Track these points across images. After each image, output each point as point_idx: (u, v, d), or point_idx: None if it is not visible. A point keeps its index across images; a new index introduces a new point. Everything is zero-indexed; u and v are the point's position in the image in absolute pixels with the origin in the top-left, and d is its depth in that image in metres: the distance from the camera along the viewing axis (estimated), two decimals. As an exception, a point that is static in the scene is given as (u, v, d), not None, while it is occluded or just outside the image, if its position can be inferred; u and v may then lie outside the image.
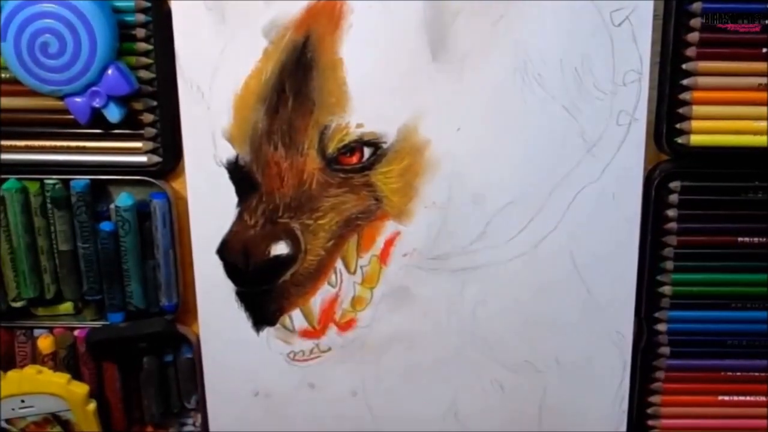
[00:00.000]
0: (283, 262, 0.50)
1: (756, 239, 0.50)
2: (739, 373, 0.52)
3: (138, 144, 0.50)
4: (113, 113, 0.48)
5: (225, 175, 0.49)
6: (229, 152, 0.49)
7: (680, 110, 0.48)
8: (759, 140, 0.48)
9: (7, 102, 0.49)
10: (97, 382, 0.53)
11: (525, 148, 0.48)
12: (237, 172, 0.49)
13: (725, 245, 0.50)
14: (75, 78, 0.46)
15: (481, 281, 0.50)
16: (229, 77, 0.48)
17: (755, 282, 0.50)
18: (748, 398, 0.52)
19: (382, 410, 0.53)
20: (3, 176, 0.50)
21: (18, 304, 0.52)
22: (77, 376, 0.53)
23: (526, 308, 0.51)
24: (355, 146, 0.48)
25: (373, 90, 0.48)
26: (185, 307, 0.53)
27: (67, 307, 0.53)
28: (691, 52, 0.47)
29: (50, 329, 0.53)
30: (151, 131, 0.49)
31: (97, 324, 0.52)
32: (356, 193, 0.49)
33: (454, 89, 0.48)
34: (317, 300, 0.51)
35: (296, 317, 0.51)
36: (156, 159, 0.50)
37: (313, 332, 0.52)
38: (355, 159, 0.49)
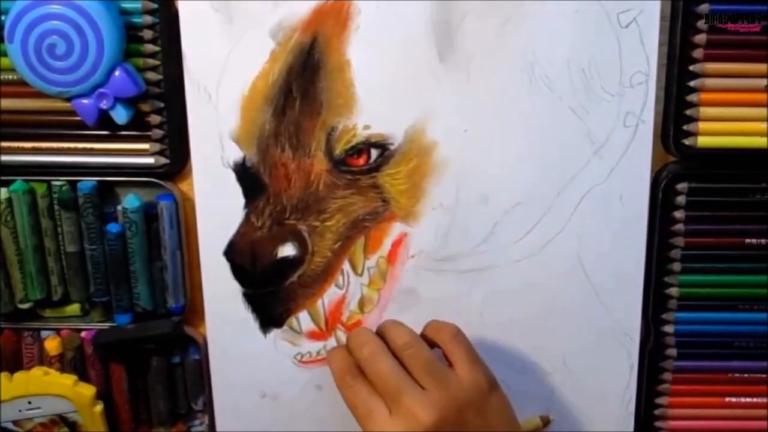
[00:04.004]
0: (290, 263, 0.50)
1: (763, 240, 0.50)
2: (746, 375, 0.52)
3: (145, 145, 0.50)
4: (120, 115, 0.48)
5: (232, 176, 0.49)
6: (236, 154, 0.49)
7: (687, 112, 0.48)
8: (766, 142, 0.48)
9: (14, 103, 0.49)
10: (104, 383, 0.53)
11: (532, 149, 0.49)
12: (244, 173, 0.49)
13: (732, 246, 0.50)
14: (82, 80, 0.46)
15: (489, 283, 0.50)
16: (236, 79, 0.48)
17: (762, 283, 0.50)
18: (755, 399, 0.52)
19: (390, 412, 0.53)
20: (10, 178, 0.50)
21: (25, 306, 0.52)
22: (84, 377, 0.53)
23: (533, 310, 0.51)
24: (363, 148, 0.49)
25: (380, 91, 0.48)
26: (192, 309, 0.53)
27: (74, 308, 0.53)
28: (698, 53, 0.47)
29: (57, 331, 0.53)
30: (158, 133, 0.49)
31: (104, 325, 0.52)
32: (363, 195, 0.49)
33: (461, 91, 0.48)
34: (324, 301, 0.51)
35: (303, 319, 0.52)
36: (163, 160, 0.50)
37: (320, 334, 0.52)
38: (362, 160, 0.49)
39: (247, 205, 0.49)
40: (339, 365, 0.46)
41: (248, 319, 0.52)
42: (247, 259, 0.50)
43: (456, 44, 0.47)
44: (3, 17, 0.46)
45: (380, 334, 0.48)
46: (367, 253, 0.50)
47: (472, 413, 0.43)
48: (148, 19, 0.47)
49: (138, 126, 0.49)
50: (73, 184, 0.50)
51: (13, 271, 0.51)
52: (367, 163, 0.49)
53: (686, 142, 0.48)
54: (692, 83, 0.47)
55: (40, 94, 0.48)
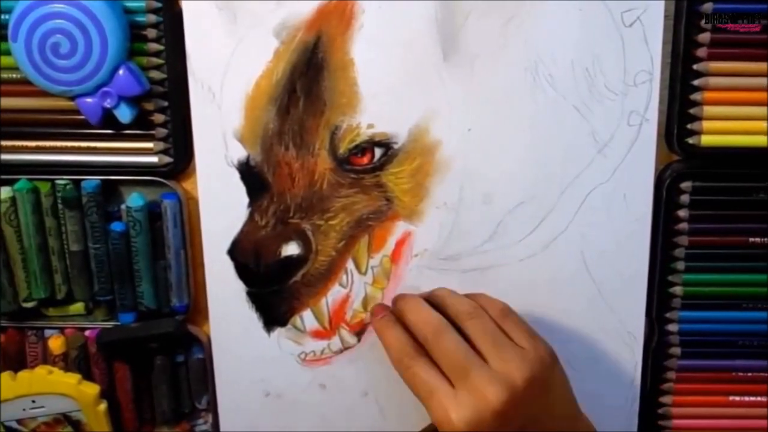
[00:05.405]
0: (294, 262, 0.50)
1: (767, 239, 0.50)
2: (750, 374, 0.52)
3: (149, 144, 0.50)
4: (124, 114, 0.48)
5: (236, 175, 0.49)
6: (240, 153, 0.49)
7: (691, 111, 0.48)
8: (770, 140, 0.48)
9: (18, 102, 0.49)
10: (108, 382, 0.53)
11: (536, 148, 0.49)
12: (248, 172, 0.49)
13: (736, 245, 0.50)
14: (86, 78, 0.47)
15: (492, 282, 0.50)
16: (240, 78, 0.48)
17: (766, 282, 0.50)
18: (759, 398, 0.52)
19: (393, 410, 0.53)
20: (14, 177, 0.50)
21: (29, 305, 0.52)
22: (88, 376, 0.53)
23: (536, 309, 0.51)
24: (366, 147, 0.49)
25: (384, 90, 0.48)
26: (196, 308, 0.53)
27: (78, 307, 0.53)
28: (702, 52, 0.47)
29: (61, 329, 0.53)
30: (162, 132, 0.49)
31: (108, 324, 0.53)
32: (367, 194, 0.49)
33: (465, 90, 0.48)
34: (328, 300, 0.51)
35: (307, 318, 0.51)
36: (167, 159, 0.50)
37: (324, 333, 0.52)
38: (366, 159, 0.49)
39: (251, 204, 0.50)
40: (396, 346, 0.44)
41: (252, 318, 0.52)
42: (250, 258, 0.50)
43: (460, 43, 0.47)
44: (7, 16, 0.46)
45: (434, 303, 0.46)
46: (371, 252, 0.50)
47: (538, 390, 0.42)
48: (151, 17, 0.47)
49: (142, 125, 0.49)
50: (76, 183, 0.50)
51: (16, 270, 0.51)
52: (371, 162, 0.49)
53: (690, 140, 0.48)
54: (696, 82, 0.47)
55: (43, 93, 0.48)
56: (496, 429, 0.41)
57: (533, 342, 0.44)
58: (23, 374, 0.52)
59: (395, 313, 0.47)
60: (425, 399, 0.42)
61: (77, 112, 0.48)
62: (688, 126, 0.48)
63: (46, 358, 0.53)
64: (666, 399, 0.53)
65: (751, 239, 0.50)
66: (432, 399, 0.42)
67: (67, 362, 0.53)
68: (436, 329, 0.44)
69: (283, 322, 0.52)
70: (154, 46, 0.48)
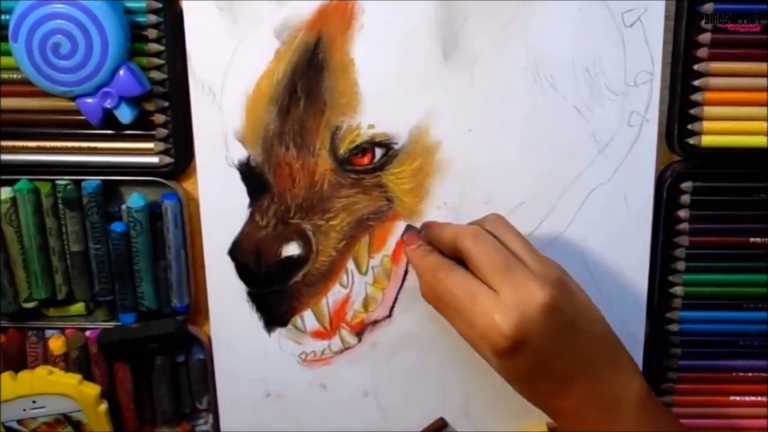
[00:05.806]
0: (295, 262, 0.50)
1: (767, 239, 0.50)
2: (750, 374, 0.52)
3: (149, 145, 0.50)
4: (125, 114, 0.48)
5: (236, 175, 0.49)
6: (240, 153, 0.49)
7: (692, 111, 0.48)
8: (770, 141, 0.48)
9: (19, 103, 0.49)
10: (109, 382, 0.53)
11: (536, 148, 0.49)
12: (248, 172, 0.49)
13: (737, 246, 0.50)
14: (86, 79, 0.47)
15: (493, 282, 0.50)
16: (240, 78, 0.48)
17: (766, 282, 0.50)
18: (759, 398, 0.52)
19: (394, 411, 0.53)
20: (14, 177, 0.50)
21: (29, 305, 0.52)
22: (88, 376, 0.53)
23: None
24: (367, 147, 0.49)
25: (384, 91, 0.48)
26: (197, 308, 0.53)
27: (78, 307, 0.53)
28: (702, 53, 0.47)
29: (62, 330, 0.53)
30: (162, 132, 0.49)
31: (109, 325, 0.52)
32: (368, 194, 0.49)
33: (465, 90, 0.48)
34: (328, 301, 0.51)
35: (307, 318, 0.52)
36: (168, 160, 0.50)
37: (324, 333, 0.52)
38: (366, 160, 0.49)
39: (252, 204, 0.50)
40: (431, 265, 0.44)
41: (252, 318, 0.52)
42: (251, 258, 0.50)
43: (460, 43, 0.47)
44: (7, 16, 0.46)
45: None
46: (372, 252, 0.50)
47: (569, 292, 0.42)
48: (152, 18, 0.47)
49: (142, 125, 0.49)
50: (77, 184, 0.50)
51: (17, 270, 0.51)
52: (372, 163, 0.49)
53: (690, 141, 0.48)
54: (696, 82, 0.47)
55: (44, 94, 0.48)
56: (542, 327, 0.40)
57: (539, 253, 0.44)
58: (24, 374, 0.52)
59: (430, 243, 0.47)
60: (466, 307, 0.41)
61: (78, 112, 0.48)
62: (689, 126, 0.48)
63: (47, 359, 0.53)
64: (666, 399, 0.53)
65: (752, 239, 0.50)
66: (475, 304, 0.41)
67: (67, 362, 0.53)
68: (475, 233, 0.43)
69: (283, 322, 0.52)
70: (154, 47, 0.48)
